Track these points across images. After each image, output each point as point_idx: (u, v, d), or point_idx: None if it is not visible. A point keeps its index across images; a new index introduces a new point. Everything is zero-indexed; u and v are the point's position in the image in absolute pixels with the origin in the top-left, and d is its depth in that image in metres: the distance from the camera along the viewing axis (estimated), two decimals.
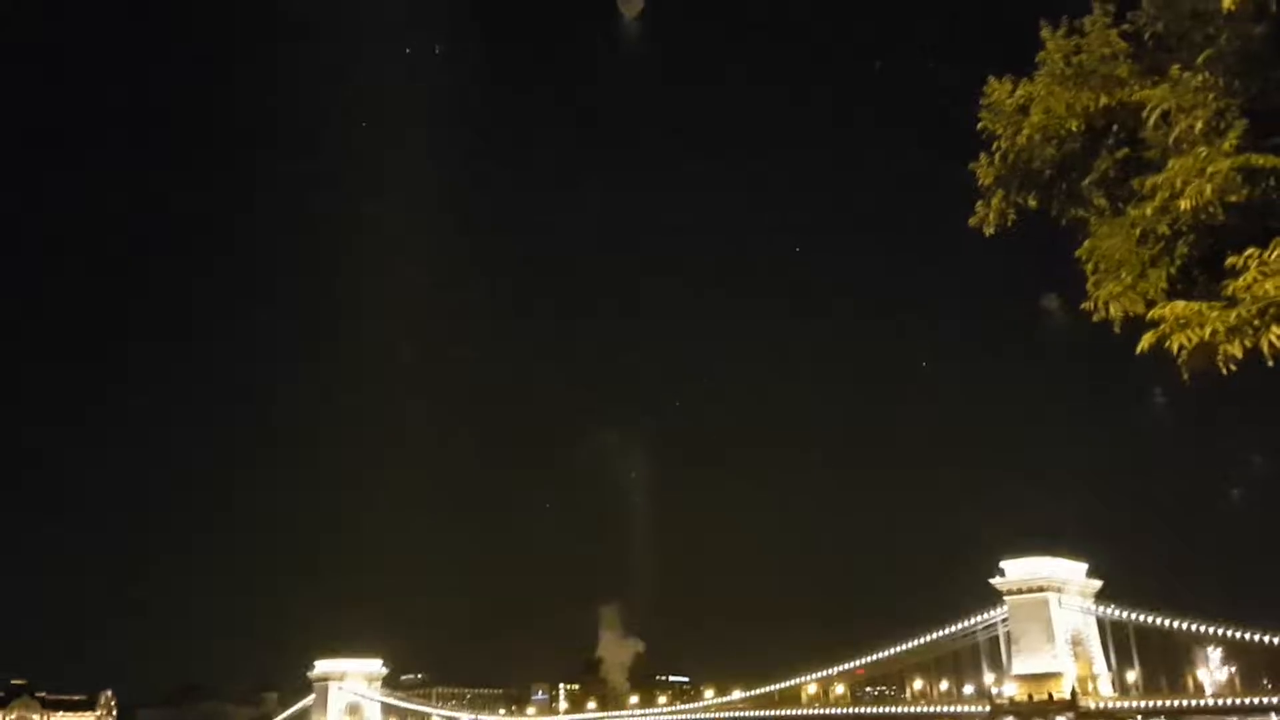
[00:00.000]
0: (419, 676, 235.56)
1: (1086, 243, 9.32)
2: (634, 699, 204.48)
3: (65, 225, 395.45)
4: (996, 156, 10.13)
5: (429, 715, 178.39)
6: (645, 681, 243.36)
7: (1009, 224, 10.37)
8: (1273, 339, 6.40)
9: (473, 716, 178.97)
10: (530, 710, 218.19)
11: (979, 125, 10.19)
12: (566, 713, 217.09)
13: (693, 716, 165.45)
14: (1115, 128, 9.24)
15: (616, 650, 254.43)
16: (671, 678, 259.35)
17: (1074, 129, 9.36)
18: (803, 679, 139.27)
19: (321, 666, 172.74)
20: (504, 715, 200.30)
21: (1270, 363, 6.50)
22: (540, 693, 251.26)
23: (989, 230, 10.42)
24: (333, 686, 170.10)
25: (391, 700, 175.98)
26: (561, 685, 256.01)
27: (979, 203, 10.50)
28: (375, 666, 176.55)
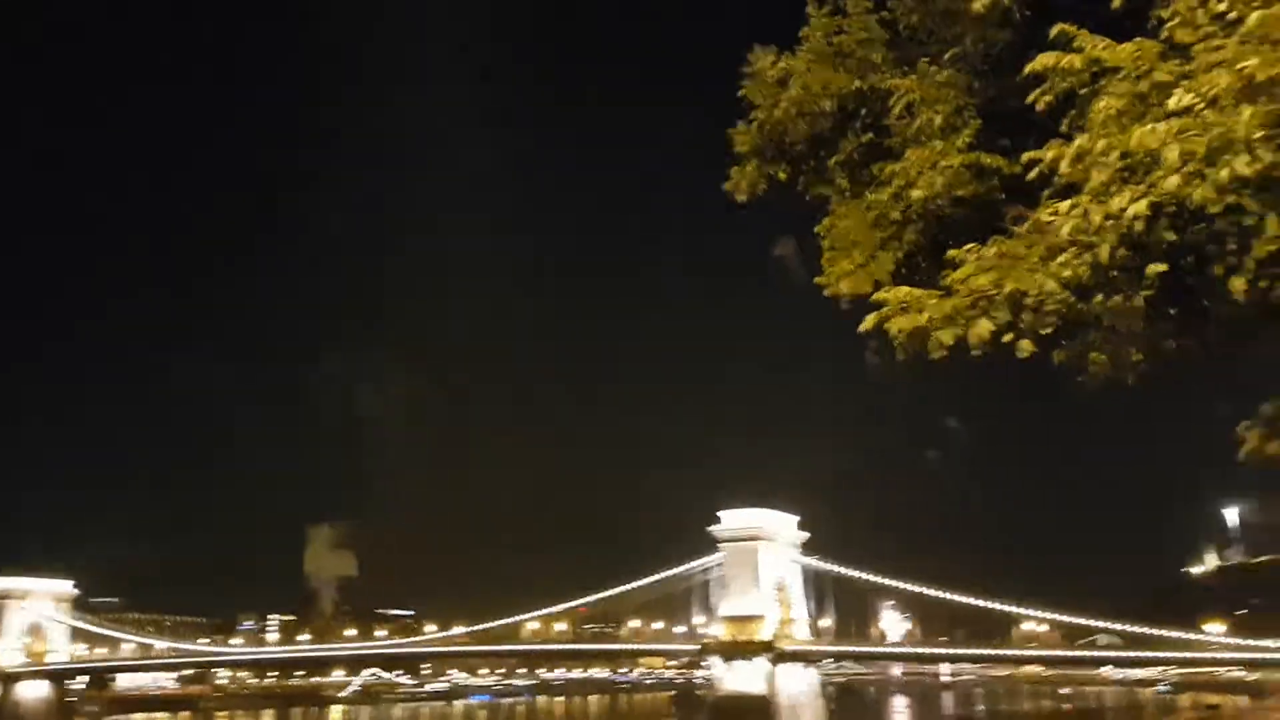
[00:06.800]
0: (114, 601, 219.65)
1: (825, 220, 9.62)
2: (351, 631, 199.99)
3: None
4: (754, 126, 10.24)
5: (120, 642, 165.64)
6: (365, 615, 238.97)
7: (759, 192, 10.52)
8: (980, 331, 6.79)
9: (170, 644, 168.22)
10: (236, 641, 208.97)
11: (740, 93, 10.26)
12: (277, 644, 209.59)
13: (412, 650, 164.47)
14: (864, 112, 9.55)
15: (325, 563, 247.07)
16: (393, 611, 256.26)
17: (826, 108, 9.60)
18: (525, 616, 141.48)
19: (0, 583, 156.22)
20: (205, 644, 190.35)
21: (975, 352, 6.89)
22: (248, 622, 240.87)
23: (741, 197, 10.55)
24: (12, 606, 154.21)
25: (81, 624, 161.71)
26: (274, 616, 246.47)
27: (734, 169, 10.59)
28: (64, 587, 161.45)
